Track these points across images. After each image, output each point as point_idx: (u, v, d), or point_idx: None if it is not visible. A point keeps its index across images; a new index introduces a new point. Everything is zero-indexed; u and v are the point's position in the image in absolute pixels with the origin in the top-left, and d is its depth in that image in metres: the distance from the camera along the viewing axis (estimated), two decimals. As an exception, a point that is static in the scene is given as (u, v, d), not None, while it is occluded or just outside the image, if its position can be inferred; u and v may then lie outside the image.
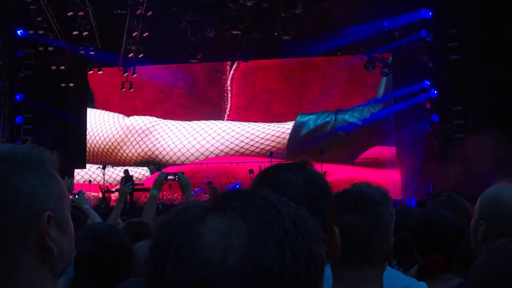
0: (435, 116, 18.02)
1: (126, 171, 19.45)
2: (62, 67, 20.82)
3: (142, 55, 20.55)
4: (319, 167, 16.81)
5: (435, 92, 18.00)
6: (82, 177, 21.58)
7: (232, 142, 22.15)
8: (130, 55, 20.48)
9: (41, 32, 19.25)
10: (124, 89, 21.48)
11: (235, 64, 22.60)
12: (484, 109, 15.80)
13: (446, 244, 2.90)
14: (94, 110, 23.28)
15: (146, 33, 19.69)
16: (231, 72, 22.87)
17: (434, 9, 17.36)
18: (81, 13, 18.77)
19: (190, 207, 0.91)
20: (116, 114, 23.22)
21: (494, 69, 15.31)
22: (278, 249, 0.83)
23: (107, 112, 23.27)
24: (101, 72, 21.42)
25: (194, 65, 22.37)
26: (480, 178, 15.96)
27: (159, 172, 5.97)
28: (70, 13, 18.74)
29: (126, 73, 21.11)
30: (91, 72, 21.89)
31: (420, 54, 18.04)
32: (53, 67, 20.76)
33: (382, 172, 19.61)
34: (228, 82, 22.87)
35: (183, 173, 5.11)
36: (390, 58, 20.10)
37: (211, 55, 20.74)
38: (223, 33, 19.57)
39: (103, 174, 19.54)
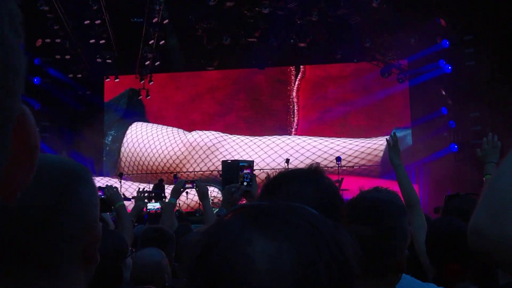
0: (452, 123, 17.90)
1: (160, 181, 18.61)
2: (79, 75, 20.94)
3: (158, 62, 20.63)
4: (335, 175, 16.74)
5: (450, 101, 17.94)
6: (100, 182, 21.43)
7: (313, 160, 18.80)
8: (146, 63, 20.56)
9: (58, 40, 19.40)
10: (141, 96, 21.56)
11: (300, 74, 21.39)
12: (501, 115, 15.68)
13: (460, 253, 2.86)
14: (150, 124, 22.25)
15: (163, 41, 19.79)
16: (296, 83, 21.42)
17: (451, 15, 17.29)
18: (98, 22, 18.90)
19: (233, 223, 0.91)
20: (175, 129, 21.91)
21: (510, 75, 15.21)
22: (327, 272, 0.85)
23: (164, 126, 22.06)
24: (117, 80, 21.53)
25: (256, 75, 21.30)
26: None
27: (176, 180, 5.99)
28: (87, 22, 18.87)
29: (143, 81, 21.19)
30: (108, 80, 21.87)
31: (436, 60, 17.94)
32: (70, 75, 20.88)
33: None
34: (294, 94, 21.39)
35: (200, 181, 5.11)
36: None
37: (227, 62, 20.76)
38: (239, 40, 19.61)
39: (120, 182, 19.40)
